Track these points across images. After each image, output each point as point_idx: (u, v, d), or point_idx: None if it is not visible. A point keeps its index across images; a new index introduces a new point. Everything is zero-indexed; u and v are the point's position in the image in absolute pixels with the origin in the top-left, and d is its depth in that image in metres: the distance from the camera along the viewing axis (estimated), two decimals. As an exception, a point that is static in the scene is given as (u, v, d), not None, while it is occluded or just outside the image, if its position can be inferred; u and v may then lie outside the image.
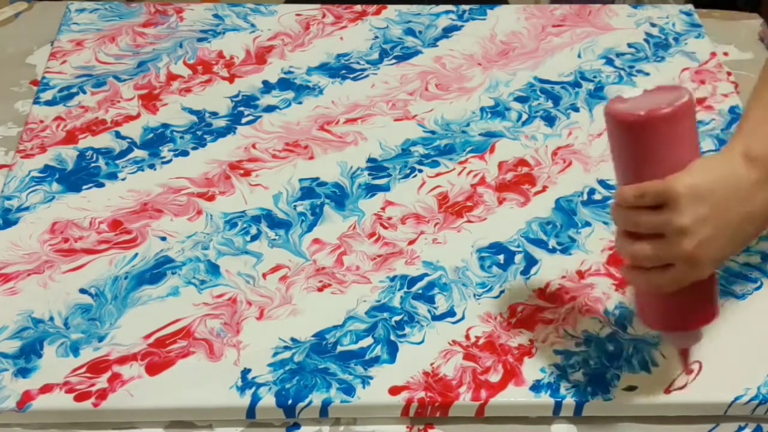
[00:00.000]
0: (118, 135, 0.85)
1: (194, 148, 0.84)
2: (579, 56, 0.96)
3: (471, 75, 0.93)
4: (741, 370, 0.69)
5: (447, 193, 0.81)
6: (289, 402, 0.66)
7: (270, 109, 0.89)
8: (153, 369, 0.67)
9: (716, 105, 0.91)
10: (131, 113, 0.88)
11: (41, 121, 0.86)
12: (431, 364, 0.68)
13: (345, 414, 0.67)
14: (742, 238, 0.60)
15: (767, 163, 0.59)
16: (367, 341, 0.70)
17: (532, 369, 0.68)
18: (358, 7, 1.01)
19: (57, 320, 0.70)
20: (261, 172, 0.82)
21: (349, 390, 0.66)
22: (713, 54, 0.97)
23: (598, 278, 0.75)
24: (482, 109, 0.90)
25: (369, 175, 0.83)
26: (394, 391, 0.67)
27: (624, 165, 0.60)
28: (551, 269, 0.75)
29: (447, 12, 1.01)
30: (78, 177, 0.81)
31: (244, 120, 0.87)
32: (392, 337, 0.70)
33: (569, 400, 0.67)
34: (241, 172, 0.82)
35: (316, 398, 0.66)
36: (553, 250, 0.77)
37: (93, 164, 0.82)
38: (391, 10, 1.01)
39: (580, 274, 0.75)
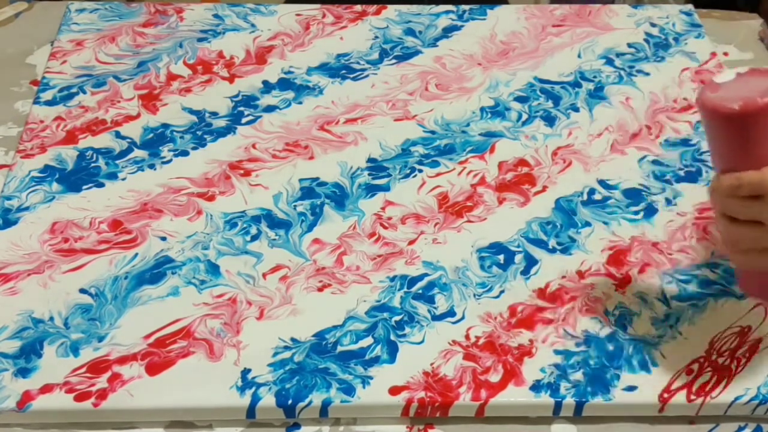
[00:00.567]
0: (118, 135, 0.85)
1: (194, 148, 0.84)
2: (579, 56, 0.96)
3: (471, 75, 0.93)
4: (741, 369, 0.69)
5: (447, 193, 0.81)
6: (289, 402, 0.66)
7: (270, 109, 0.89)
8: (153, 369, 0.67)
9: (716, 105, 0.91)
10: (131, 113, 0.88)
11: (41, 121, 0.86)
12: (431, 364, 0.68)
13: (345, 414, 0.67)
14: None
15: None
16: (367, 341, 0.70)
17: (532, 369, 0.68)
18: (358, 7, 1.01)
19: (57, 320, 0.70)
20: (261, 172, 0.82)
21: (349, 390, 0.66)
22: (713, 54, 0.97)
23: (598, 278, 0.75)
24: (482, 109, 0.90)
25: (369, 175, 0.83)
26: (394, 391, 0.67)
27: (719, 153, 0.60)
28: (551, 269, 0.75)
29: (447, 12, 1.01)
30: (78, 177, 0.81)
31: (244, 120, 0.87)
32: (392, 337, 0.70)
33: (569, 400, 0.67)
34: (241, 172, 0.82)
35: (316, 398, 0.66)
36: (553, 250, 0.77)
37: (93, 164, 0.82)
38: (391, 10, 1.01)
39: (580, 274, 0.75)
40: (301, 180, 0.82)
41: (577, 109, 0.90)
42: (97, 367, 0.67)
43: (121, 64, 0.93)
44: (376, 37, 0.98)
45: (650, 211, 0.81)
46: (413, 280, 0.74)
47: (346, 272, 0.74)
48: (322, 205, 0.80)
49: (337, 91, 0.91)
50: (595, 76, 0.94)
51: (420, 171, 0.83)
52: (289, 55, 0.95)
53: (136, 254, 0.75)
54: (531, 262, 0.76)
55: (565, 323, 0.71)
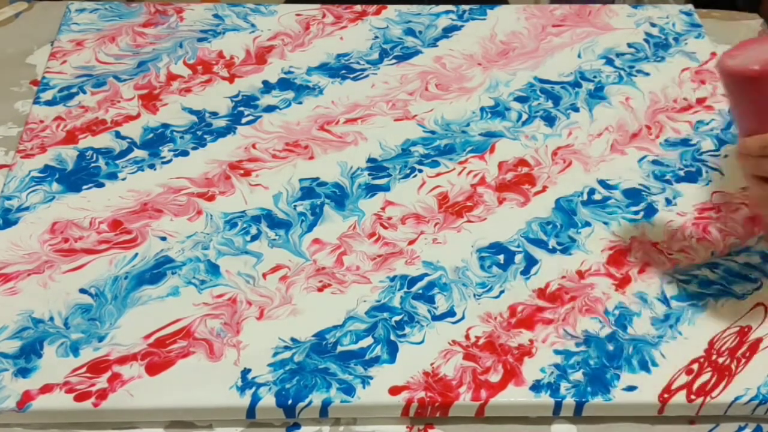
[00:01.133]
0: (118, 135, 0.85)
1: (194, 148, 0.84)
2: (579, 56, 0.96)
3: (471, 75, 0.94)
4: (741, 369, 0.69)
5: (447, 193, 0.81)
6: (289, 402, 0.66)
7: (270, 109, 0.89)
8: (153, 369, 0.67)
9: (716, 105, 0.91)
10: (131, 113, 0.88)
11: (41, 121, 0.86)
12: (431, 364, 0.68)
13: (345, 414, 0.67)
14: None
15: None
16: (367, 341, 0.70)
17: (532, 369, 0.68)
18: (358, 7, 1.01)
19: (57, 320, 0.70)
20: (261, 172, 0.82)
21: (349, 390, 0.66)
22: (713, 54, 0.97)
23: (598, 278, 0.75)
24: (482, 109, 0.90)
25: (369, 175, 0.83)
26: (394, 391, 0.67)
27: (743, 116, 0.63)
28: (551, 269, 0.75)
29: (447, 12, 1.01)
30: (78, 177, 0.81)
31: (244, 120, 0.88)
32: (392, 337, 0.70)
33: (569, 400, 0.67)
34: (241, 172, 0.82)
35: (316, 398, 0.66)
36: (553, 250, 0.77)
37: (93, 164, 0.82)
38: (391, 10, 1.01)
39: (580, 274, 0.75)
40: (301, 180, 0.82)
41: (577, 109, 0.90)
42: (97, 367, 0.67)
43: (121, 64, 0.93)
44: (376, 37, 0.98)
45: (650, 211, 0.81)
46: (413, 280, 0.74)
47: (346, 272, 0.74)
48: (322, 205, 0.80)
49: (337, 91, 0.91)
50: (595, 76, 0.94)
51: (420, 171, 0.83)
52: (289, 55, 0.95)
53: (136, 254, 0.75)
54: (531, 262, 0.76)
55: (565, 323, 0.71)
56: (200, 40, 0.96)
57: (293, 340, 0.70)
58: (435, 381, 0.67)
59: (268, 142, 0.85)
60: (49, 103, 0.88)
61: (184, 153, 0.84)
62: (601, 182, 0.83)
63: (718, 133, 0.88)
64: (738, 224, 0.80)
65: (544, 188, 0.82)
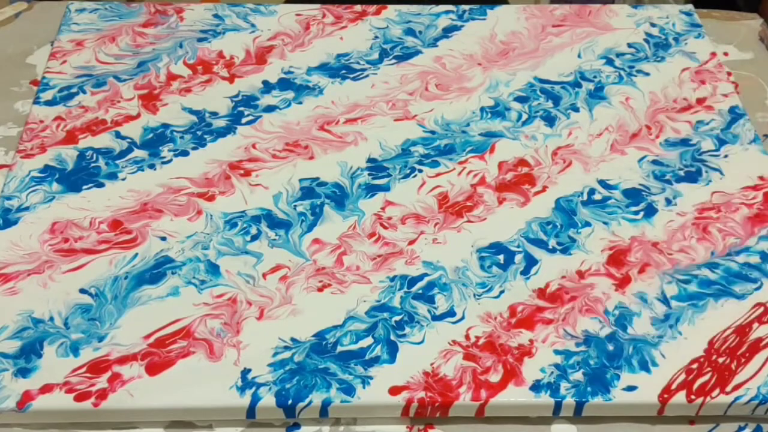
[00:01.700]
0: (118, 135, 0.85)
1: (194, 148, 0.84)
2: (579, 56, 0.96)
3: (471, 75, 0.94)
4: (741, 369, 0.69)
5: (447, 193, 0.81)
6: (289, 402, 0.66)
7: (270, 109, 0.89)
8: (153, 369, 0.67)
9: (716, 105, 0.91)
10: (131, 113, 0.88)
11: (41, 121, 0.86)
12: (431, 364, 0.68)
13: (345, 414, 0.67)
14: None
15: None
16: (367, 341, 0.70)
17: (532, 369, 0.68)
18: (358, 7, 1.01)
19: (57, 320, 0.70)
20: (261, 172, 0.82)
21: (349, 390, 0.66)
22: (713, 54, 0.97)
23: (598, 278, 0.75)
24: (482, 109, 0.90)
25: (369, 175, 0.83)
26: (394, 391, 0.67)
27: None
28: (551, 269, 0.75)
29: (447, 12, 1.01)
30: (78, 177, 0.81)
31: (244, 120, 0.88)
32: (392, 337, 0.70)
33: (569, 400, 0.67)
34: (241, 172, 0.82)
35: (316, 398, 0.66)
36: (553, 250, 0.77)
37: (93, 164, 0.82)
38: (391, 10, 1.01)
39: (580, 274, 0.75)
40: (301, 180, 0.82)
41: (577, 109, 0.90)
42: (97, 367, 0.67)
43: (121, 64, 0.93)
44: (376, 37, 0.98)
45: (650, 211, 0.81)
46: (413, 280, 0.74)
47: (346, 272, 0.74)
48: (322, 205, 0.80)
49: (337, 91, 0.91)
50: (595, 76, 0.94)
51: (420, 171, 0.83)
52: (289, 55, 0.95)
53: (136, 254, 0.75)
54: (531, 262, 0.76)
55: (565, 323, 0.71)
56: (200, 40, 0.96)
57: (293, 340, 0.70)
58: (435, 381, 0.67)
59: (268, 142, 0.85)
60: (49, 103, 0.88)
61: (184, 153, 0.84)
62: (601, 182, 0.83)
63: (718, 133, 0.88)
64: (738, 224, 0.80)
65: (544, 188, 0.82)
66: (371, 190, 0.81)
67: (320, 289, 0.73)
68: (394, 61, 0.95)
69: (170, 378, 0.67)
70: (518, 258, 0.76)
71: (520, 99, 0.91)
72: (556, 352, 0.69)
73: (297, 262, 0.75)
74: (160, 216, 0.78)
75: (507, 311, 0.72)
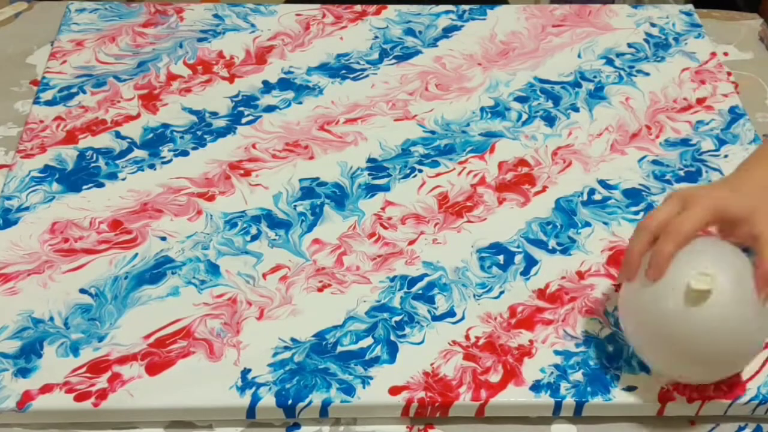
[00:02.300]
0: (118, 135, 0.85)
1: (194, 148, 0.84)
2: (579, 56, 0.96)
3: (471, 75, 0.93)
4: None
5: (447, 193, 0.81)
6: (289, 402, 0.66)
7: (270, 109, 0.89)
8: (153, 369, 0.67)
9: (716, 105, 0.91)
10: (131, 113, 0.88)
11: (41, 121, 0.86)
12: (431, 364, 0.68)
13: (345, 414, 0.67)
14: None
15: None
16: (367, 341, 0.70)
17: (532, 369, 0.68)
18: (358, 7, 1.01)
19: (57, 320, 0.70)
20: (261, 172, 0.82)
21: (349, 390, 0.66)
22: (713, 54, 0.97)
23: (598, 279, 0.75)
24: (482, 109, 0.90)
25: (369, 175, 0.83)
26: (394, 391, 0.67)
27: None
28: (551, 269, 0.75)
29: (447, 12, 1.01)
30: (78, 177, 0.81)
31: (244, 120, 0.87)
32: (392, 338, 0.70)
33: (569, 400, 0.67)
34: (241, 172, 0.82)
35: (316, 398, 0.66)
36: (553, 251, 0.77)
37: (93, 164, 0.82)
38: (391, 10, 1.01)
39: (580, 275, 0.75)
40: (301, 180, 0.82)
41: (577, 109, 0.90)
42: (97, 367, 0.67)
43: (121, 64, 0.93)
44: (376, 37, 0.98)
45: (650, 211, 0.80)
46: (413, 281, 0.74)
47: (346, 272, 0.74)
48: (322, 205, 0.80)
49: (337, 91, 0.91)
50: (595, 76, 0.94)
51: (420, 171, 0.83)
52: (289, 55, 0.95)
53: (136, 254, 0.75)
54: (531, 262, 0.76)
55: (565, 324, 0.71)
56: (200, 40, 0.96)
57: (293, 340, 0.70)
58: (435, 381, 0.67)
59: (268, 142, 0.85)
60: (49, 103, 0.88)
61: (184, 153, 0.84)
62: (601, 182, 0.83)
63: (718, 133, 0.88)
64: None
65: (544, 188, 0.82)
66: (371, 190, 0.81)
67: (320, 289, 0.73)
68: (394, 61, 0.95)
69: (170, 378, 0.67)
70: (518, 258, 0.76)
71: (520, 99, 0.91)
72: (556, 352, 0.69)
73: (297, 262, 0.75)
74: (160, 216, 0.78)
75: (507, 312, 0.72)
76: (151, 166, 0.82)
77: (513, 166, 0.84)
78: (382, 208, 0.80)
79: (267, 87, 0.91)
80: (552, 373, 0.68)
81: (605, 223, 0.79)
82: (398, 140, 0.86)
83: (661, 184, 0.83)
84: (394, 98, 0.90)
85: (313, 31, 0.98)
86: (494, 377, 0.68)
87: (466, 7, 1.02)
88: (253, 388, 0.66)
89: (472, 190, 0.82)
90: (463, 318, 0.71)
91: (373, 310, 0.72)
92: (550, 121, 0.89)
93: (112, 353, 0.68)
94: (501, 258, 0.76)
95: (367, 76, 0.93)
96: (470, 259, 0.76)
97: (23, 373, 0.66)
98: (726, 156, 0.86)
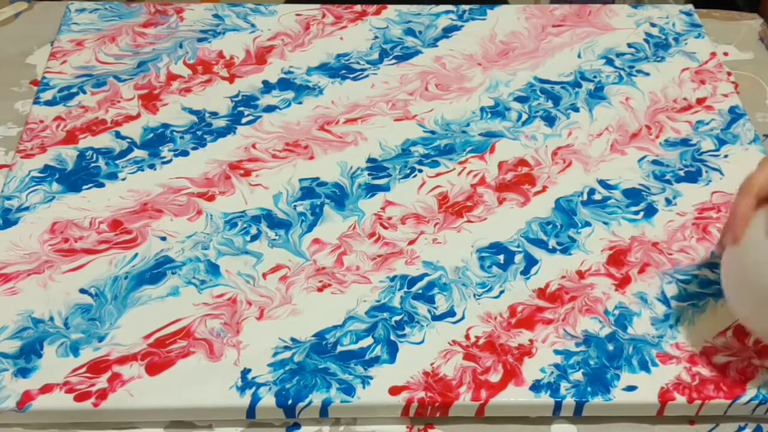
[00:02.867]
0: (118, 135, 0.85)
1: (194, 148, 0.84)
2: (579, 56, 0.96)
3: (471, 75, 0.94)
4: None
5: (447, 193, 0.81)
6: (289, 402, 0.66)
7: (270, 109, 0.89)
8: (153, 369, 0.67)
9: (716, 105, 0.91)
10: (131, 113, 0.88)
11: (41, 121, 0.86)
12: (431, 364, 0.68)
13: (345, 414, 0.67)
14: None
15: None
16: (367, 341, 0.70)
17: (532, 369, 0.68)
18: (358, 7, 1.01)
19: (57, 320, 0.70)
20: (261, 172, 0.82)
21: (349, 390, 0.66)
22: (713, 54, 0.97)
23: (598, 278, 0.75)
24: (482, 109, 0.90)
25: (369, 175, 0.83)
26: (394, 391, 0.67)
27: None
28: (551, 269, 0.75)
29: (447, 12, 1.01)
30: (78, 177, 0.81)
31: (244, 120, 0.88)
32: (392, 337, 0.70)
33: (569, 400, 0.67)
34: (241, 172, 0.82)
35: (316, 398, 0.66)
36: (553, 250, 0.77)
37: (93, 164, 0.82)
38: (391, 10, 1.01)
39: (580, 274, 0.75)
40: (301, 180, 0.82)
41: (577, 109, 0.90)
42: (97, 367, 0.67)
43: (121, 64, 0.93)
44: (376, 37, 0.98)
45: (650, 211, 0.81)
46: (413, 280, 0.74)
47: (346, 272, 0.74)
48: (322, 205, 0.80)
49: (337, 91, 0.91)
50: (595, 76, 0.94)
51: (420, 171, 0.83)
52: (289, 55, 0.95)
53: (136, 254, 0.75)
54: (531, 262, 0.76)
55: (565, 323, 0.71)
56: (200, 40, 0.96)
57: (293, 340, 0.70)
58: (435, 381, 0.67)
59: (268, 142, 0.85)
60: (49, 103, 0.88)
61: (184, 153, 0.84)
62: (601, 182, 0.83)
63: (718, 133, 0.88)
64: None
65: (544, 188, 0.82)
66: (371, 190, 0.81)
67: (320, 289, 0.73)
68: (394, 61, 0.95)
69: (170, 378, 0.67)
70: (518, 258, 0.76)
71: (520, 99, 0.91)
72: (556, 352, 0.69)
73: (297, 262, 0.75)
74: (160, 216, 0.78)
75: (507, 311, 0.72)
76: (151, 166, 0.83)
77: (513, 166, 0.84)
78: (382, 208, 0.80)
79: (267, 87, 0.91)
80: (552, 372, 0.68)
81: (605, 223, 0.79)
82: (398, 140, 0.86)
83: (661, 184, 0.83)
84: (394, 98, 0.90)
85: (313, 31, 0.98)
86: (494, 377, 0.68)
87: (466, 7, 1.02)
88: (253, 388, 0.66)
89: (472, 190, 0.82)
90: (463, 318, 0.71)
91: (373, 310, 0.72)
92: (550, 121, 0.89)
93: (112, 353, 0.68)
94: (501, 258, 0.76)
95: (367, 76, 0.93)
96: (470, 258, 0.76)
97: (23, 373, 0.67)
98: (726, 156, 0.86)
